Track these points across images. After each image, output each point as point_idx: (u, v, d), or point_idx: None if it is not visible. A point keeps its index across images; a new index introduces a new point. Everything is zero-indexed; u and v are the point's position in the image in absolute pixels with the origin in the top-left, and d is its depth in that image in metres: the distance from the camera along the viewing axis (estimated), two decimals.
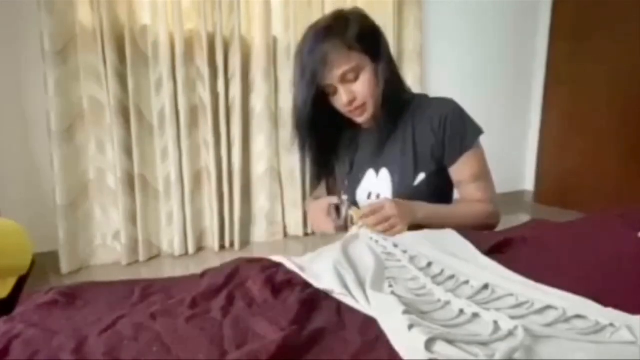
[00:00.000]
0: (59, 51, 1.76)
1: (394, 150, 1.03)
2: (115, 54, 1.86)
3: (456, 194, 1.08)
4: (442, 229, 0.88)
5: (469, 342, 0.45)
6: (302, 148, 1.04)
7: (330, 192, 1.18)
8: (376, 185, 1.05)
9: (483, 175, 1.02)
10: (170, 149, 2.02)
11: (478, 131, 1.00)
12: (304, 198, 2.32)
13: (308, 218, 1.22)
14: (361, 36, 0.92)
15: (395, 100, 1.00)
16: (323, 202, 1.03)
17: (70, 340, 0.53)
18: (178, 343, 0.52)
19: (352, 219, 0.96)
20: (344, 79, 0.93)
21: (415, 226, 0.90)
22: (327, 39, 0.90)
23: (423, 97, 1.08)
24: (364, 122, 1.02)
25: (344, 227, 1.01)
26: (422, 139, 1.00)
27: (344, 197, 1.01)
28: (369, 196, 1.06)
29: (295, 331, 0.51)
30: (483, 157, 1.02)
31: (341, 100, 0.95)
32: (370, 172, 1.06)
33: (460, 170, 1.00)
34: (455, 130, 0.98)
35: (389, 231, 0.87)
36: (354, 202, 1.09)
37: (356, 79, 0.94)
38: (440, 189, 1.04)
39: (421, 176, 1.00)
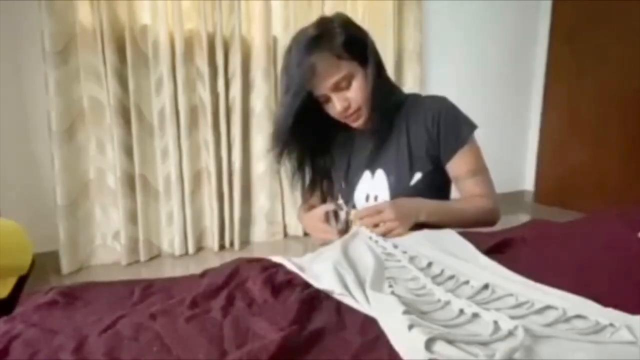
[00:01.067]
0: (59, 51, 1.76)
1: (389, 151, 1.03)
2: (115, 54, 1.86)
3: (454, 192, 1.08)
4: (444, 226, 0.88)
5: (469, 342, 0.45)
6: (279, 158, 1.02)
7: (325, 197, 1.18)
8: (373, 186, 1.05)
9: (480, 170, 1.01)
10: (170, 149, 2.02)
11: (472, 126, 1.00)
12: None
13: (304, 228, 1.20)
14: (348, 43, 0.91)
15: (387, 101, 0.99)
16: (318, 211, 1.01)
17: (70, 340, 0.53)
18: (178, 343, 0.52)
19: (351, 221, 0.96)
20: (336, 88, 0.93)
21: (416, 224, 0.90)
22: (315, 50, 0.89)
23: (416, 97, 1.08)
24: (360, 127, 1.02)
25: (345, 232, 1.00)
26: (417, 139, 1.00)
27: (341, 202, 1.01)
28: (367, 198, 1.06)
29: (295, 331, 0.51)
30: (479, 152, 1.02)
31: (335, 109, 0.95)
32: (366, 174, 1.06)
33: (457, 166, 1.00)
34: (450, 127, 0.98)
35: (387, 234, 0.87)
36: (352, 205, 1.09)
37: (348, 86, 0.93)
38: (437, 188, 1.04)
39: (417, 175, 1.00)
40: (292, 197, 2.32)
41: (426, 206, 0.94)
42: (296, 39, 0.94)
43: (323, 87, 0.92)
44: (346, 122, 1.00)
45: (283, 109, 0.94)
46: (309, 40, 0.90)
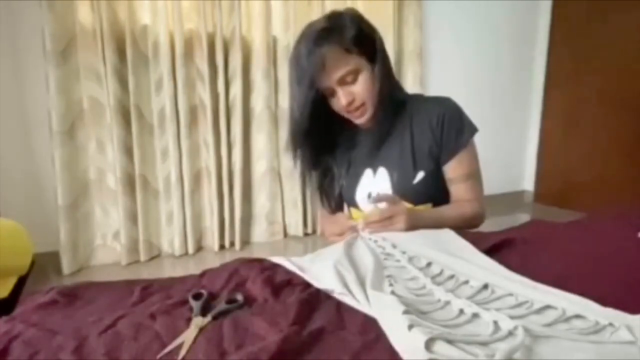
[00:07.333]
0: (59, 51, 1.76)
1: (391, 150, 1.03)
2: (115, 54, 1.86)
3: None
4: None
5: (469, 342, 0.45)
6: (296, 153, 1.03)
7: (328, 195, 1.17)
8: (374, 184, 1.05)
9: (473, 174, 1.03)
10: (170, 149, 2.02)
11: (474, 130, 1.02)
12: (304, 198, 2.32)
13: (323, 229, 1.20)
14: (358, 38, 0.92)
15: (392, 99, 1.00)
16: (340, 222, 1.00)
17: (70, 340, 0.53)
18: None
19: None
20: (342, 82, 0.93)
21: None
22: (325, 42, 0.89)
23: (419, 97, 1.10)
24: (363, 123, 1.02)
25: None
26: (421, 138, 1.01)
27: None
28: (369, 196, 1.06)
29: (296, 331, 0.51)
30: (476, 156, 1.04)
31: (340, 103, 0.96)
32: (368, 172, 1.07)
33: (453, 168, 1.01)
34: (453, 128, 0.99)
35: (388, 227, 0.87)
36: (353, 203, 1.09)
37: (354, 80, 0.94)
38: (439, 187, 1.05)
39: (420, 174, 1.01)
40: (292, 197, 2.32)
41: (420, 218, 0.92)
42: (306, 31, 0.94)
43: (329, 80, 0.93)
44: (350, 117, 1.01)
45: (298, 100, 0.94)
46: (319, 32, 0.90)
